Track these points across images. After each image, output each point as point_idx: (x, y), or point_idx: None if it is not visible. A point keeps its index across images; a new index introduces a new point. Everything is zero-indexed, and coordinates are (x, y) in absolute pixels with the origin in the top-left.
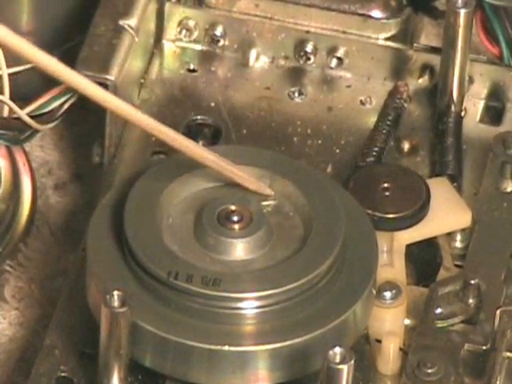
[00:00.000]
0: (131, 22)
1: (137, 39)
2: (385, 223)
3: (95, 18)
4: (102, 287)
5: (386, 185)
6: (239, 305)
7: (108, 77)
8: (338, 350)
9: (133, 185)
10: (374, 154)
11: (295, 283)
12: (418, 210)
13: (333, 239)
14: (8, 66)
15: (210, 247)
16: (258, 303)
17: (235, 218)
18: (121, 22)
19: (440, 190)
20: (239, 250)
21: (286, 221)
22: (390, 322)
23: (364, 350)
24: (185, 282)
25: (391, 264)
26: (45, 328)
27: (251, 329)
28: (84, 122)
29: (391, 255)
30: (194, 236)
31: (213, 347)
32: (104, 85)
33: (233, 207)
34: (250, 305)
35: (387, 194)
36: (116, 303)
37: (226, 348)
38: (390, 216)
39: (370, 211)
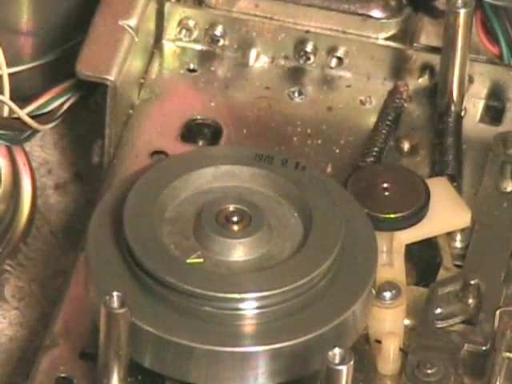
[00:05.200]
0: (131, 22)
1: (136, 39)
2: (384, 223)
3: (95, 17)
4: (101, 288)
5: (385, 185)
6: (239, 305)
7: (108, 77)
8: (337, 350)
9: (132, 185)
10: (374, 154)
11: (295, 284)
12: (418, 210)
13: (332, 239)
14: (8, 66)
15: (210, 248)
16: (257, 304)
17: (235, 219)
18: (120, 22)
19: (440, 189)
20: (239, 250)
21: (286, 221)
22: (389, 322)
23: (364, 350)
24: (184, 283)
25: (391, 264)
26: (45, 328)
27: (251, 329)
28: (84, 122)
29: (391, 255)
30: (193, 236)
31: (212, 348)
32: (104, 85)
33: (232, 208)
34: (249, 305)
35: (387, 193)
36: (115, 304)
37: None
38: (390, 216)
39: (369, 211)
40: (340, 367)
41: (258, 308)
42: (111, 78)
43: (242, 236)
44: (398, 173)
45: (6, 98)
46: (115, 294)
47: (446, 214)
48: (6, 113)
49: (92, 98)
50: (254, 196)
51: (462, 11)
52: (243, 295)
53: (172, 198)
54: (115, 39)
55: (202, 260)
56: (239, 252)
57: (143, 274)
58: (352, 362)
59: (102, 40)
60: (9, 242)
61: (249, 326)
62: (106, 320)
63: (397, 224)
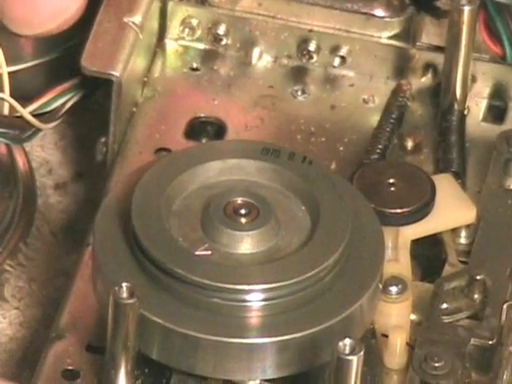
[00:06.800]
0: (135, 18)
1: (141, 36)
2: (390, 218)
3: (100, 14)
4: (109, 279)
5: (391, 180)
6: (247, 297)
7: (113, 73)
8: (347, 341)
9: (138, 180)
10: (378, 151)
11: (302, 276)
12: (423, 206)
13: (340, 233)
14: (9, 64)
15: (218, 240)
16: (265, 296)
17: (242, 212)
18: (125, 19)
19: (445, 186)
20: (246, 243)
21: (293, 214)
22: (395, 316)
23: (370, 344)
24: (192, 274)
25: (396, 259)
26: (45, 327)
27: (259, 321)
28: (85, 122)
29: (396, 250)
30: (201, 229)
31: (220, 339)
32: (106, 84)
33: (240, 200)
34: (257, 297)
35: (392, 189)
36: (124, 294)
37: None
38: (396, 211)
39: (375, 206)
40: (350, 357)
41: (265, 300)
42: (116, 73)
43: (250, 229)
44: (403, 169)
45: (7, 95)
46: (124, 284)
47: (452, 210)
48: (6, 110)
49: (93, 97)
50: (262, 189)
51: (467, 9)
52: (251, 287)
53: (179, 191)
54: (120, 36)
55: (209, 252)
56: (247, 244)
57: (151, 266)
58: (362, 353)
59: (106, 36)
60: (9, 242)
61: (256, 317)
62: (114, 311)
63: (402, 219)
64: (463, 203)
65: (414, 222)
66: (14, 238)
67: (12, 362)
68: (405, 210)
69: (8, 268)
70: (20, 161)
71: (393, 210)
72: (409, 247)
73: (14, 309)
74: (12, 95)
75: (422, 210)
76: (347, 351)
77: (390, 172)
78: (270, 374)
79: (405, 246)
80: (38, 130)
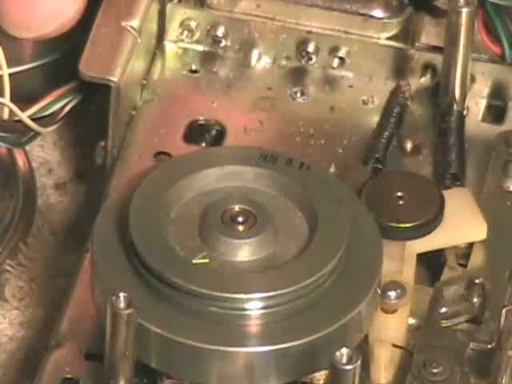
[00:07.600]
0: (133, 23)
1: (139, 40)
2: (397, 232)
3: (98, 19)
4: (107, 289)
5: (399, 193)
6: (245, 306)
7: (111, 78)
8: (344, 350)
9: (137, 186)
10: (380, 149)
11: (301, 284)
12: (431, 220)
13: (338, 239)
14: (8, 66)
15: (215, 248)
16: (263, 304)
17: (240, 219)
18: (123, 23)
19: (458, 200)
20: (244, 250)
21: (291, 221)
22: (394, 320)
23: (367, 350)
24: (190, 283)
25: (400, 272)
26: (45, 327)
27: (257, 329)
28: (84, 122)
29: (401, 263)
30: (199, 237)
31: (219, 348)
32: (105, 86)
33: (237, 208)
34: (255, 305)
35: (401, 202)
36: (122, 305)
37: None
38: (403, 225)
39: (382, 220)
40: (347, 367)
41: (263, 308)
42: (114, 79)
43: (248, 236)
44: (412, 181)
45: (7, 100)
46: (121, 294)
47: (460, 227)
48: (6, 115)
49: (91, 100)
50: (259, 196)
51: (464, 10)
52: (249, 295)
53: (177, 199)
54: (118, 40)
55: (207, 260)
56: (245, 252)
57: (149, 275)
58: (359, 362)
59: (104, 41)
60: (9, 242)
61: (255, 326)
62: (112, 321)
63: (409, 233)
64: (474, 220)
65: (421, 236)
66: (14, 237)
67: (12, 362)
68: (412, 224)
69: (8, 268)
70: (20, 161)
71: (400, 224)
72: (414, 261)
73: (15, 309)
74: (11, 97)
75: (429, 225)
76: (344, 361)
77: (399, 185)
78: (269, 382)
79: (410, 260)
80: (38, 133)
